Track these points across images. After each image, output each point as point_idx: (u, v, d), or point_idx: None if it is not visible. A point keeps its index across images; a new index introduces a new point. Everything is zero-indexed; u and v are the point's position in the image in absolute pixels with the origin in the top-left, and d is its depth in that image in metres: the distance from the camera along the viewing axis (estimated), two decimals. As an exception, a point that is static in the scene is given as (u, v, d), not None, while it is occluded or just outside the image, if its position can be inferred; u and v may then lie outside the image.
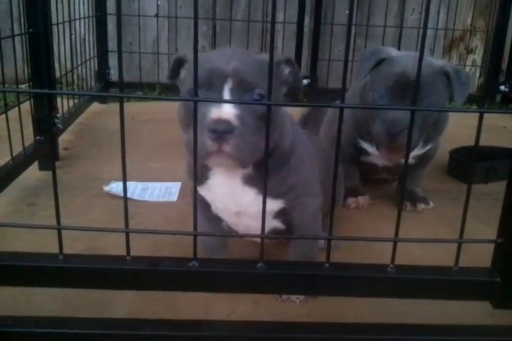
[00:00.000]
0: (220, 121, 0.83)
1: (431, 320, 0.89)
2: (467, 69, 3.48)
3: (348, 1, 3.15)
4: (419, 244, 1.22)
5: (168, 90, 2.99)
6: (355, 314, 1.09)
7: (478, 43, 3.47)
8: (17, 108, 1.61)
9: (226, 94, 0.88)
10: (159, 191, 1.70)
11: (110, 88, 2.97)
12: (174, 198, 1.66)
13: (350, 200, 1.67)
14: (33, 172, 1.76)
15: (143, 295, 1.09)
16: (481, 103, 3.17)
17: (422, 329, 0.84)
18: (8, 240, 1.29)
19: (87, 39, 2.65)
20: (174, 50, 3.15)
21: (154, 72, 3.16)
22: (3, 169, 1.52)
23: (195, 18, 0.66)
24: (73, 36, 2.42)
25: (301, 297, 1.12)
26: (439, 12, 3.20)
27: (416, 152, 1.58)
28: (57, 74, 2.06)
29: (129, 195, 1.63)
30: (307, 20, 3.13)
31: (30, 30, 1.70)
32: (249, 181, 1.01)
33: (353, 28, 3.21)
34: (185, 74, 1.00)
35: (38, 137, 1.78)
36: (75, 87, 2.62)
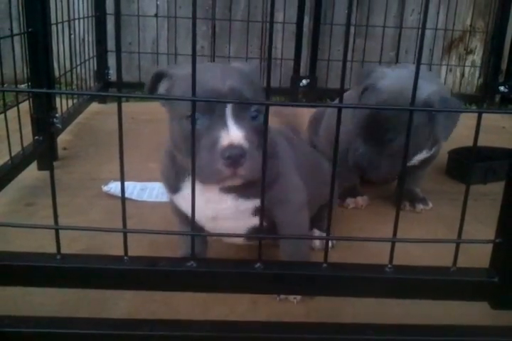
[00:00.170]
0: (232, 147, 0.84)
1: (429, 321, 0.89)
2: (466, 69, 3.49)
3: (347, 1, 3.15)
4: (417, 244, 1.23)
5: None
6: (354, 314, 1.09)
7: (477, 44, 3.47)
8: (16, 108, 1.61)
9: (229, 117, 0.87)
10: (158, 191, 1.69)
11: (109, 88, 2.98)
12: (173, 198, 1.65)
13: (349, 201, 1.67)
14: (31, 172, 1.76)
15: (141, 295, 1.09)
16: (479, 103, 3.17)
17: (421, 330, 0.84)
18: (6, 240, 1.29)
19: (86, 39, 2.64)
20: (173, 50, 3.15)
21: (154, 72, 3.16)
22: (2, 169, 1.52)
23: (194, 18, 0.66)
24: (72, 36, 2.42)
25: (299, 297, 1.12)
26: (438, 12, 3.20)
27: (422, 155, 1.57)
28: (57, 74, 2.06)
29: (127, 195, 1.63)
30: (307, 20, 3.13)
31: (30, 29, 1.70)
32: (225, 186, 1.00)
33: (353, 28, 3.21)
34: (167, 90, 0.97)
35: (36, 137, 1.78)
36: (74, 86, 2.62)
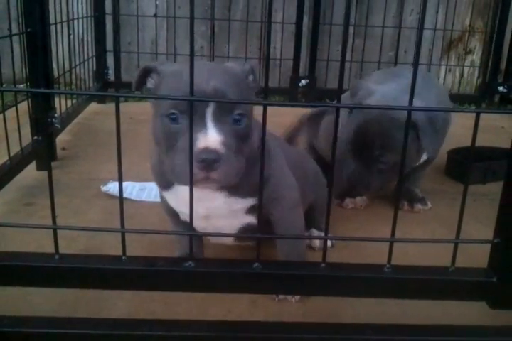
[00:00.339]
0: (207, 150, 0.82)
1: (427, 321, 0.89)
2: (466, 69, 3.49)
3: (346, 1, 3.15)
4: (416, 244, 1.23)
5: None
6: (352, 314, 1.09)
7: (476, 44, 3.47)
8: (15, 108, 1.60)
9: (209, 119, 0.85)
10: (157, 191, 1.69)
11: (108, 88, 2.97)
12: (172, 198, 1.65)
13: (348, 201, 1.67)
14: (30, 172, 1.75)
15: (140, 296, 1.09)
16: (478, 103, 3.18)
17: (419, 330, 0.84)
18: (5, 240, 1.29)
19: (85, 39, 2.64)
20: (173, 50, 3.16)
21: (153, 72, 3.16)
22: (1, 169, 1.52)
23: (191, 18, 0.66)
24: (71, 36, 2.42)
25: (298, 297, 1.12)
26: (437, 12, 3.20)
27: (424, 156, 1.57)
28: (56, 74, 2.06)
29: (126, 195, 1.63)
30: (306, 20, 3.14)
31: (28, 29, 1.70)
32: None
33: (352, 28, 3.21)
34: (154, 87, 0.96)
35: (35, 137, 1.78)
36: (73, 87, 2.62)
